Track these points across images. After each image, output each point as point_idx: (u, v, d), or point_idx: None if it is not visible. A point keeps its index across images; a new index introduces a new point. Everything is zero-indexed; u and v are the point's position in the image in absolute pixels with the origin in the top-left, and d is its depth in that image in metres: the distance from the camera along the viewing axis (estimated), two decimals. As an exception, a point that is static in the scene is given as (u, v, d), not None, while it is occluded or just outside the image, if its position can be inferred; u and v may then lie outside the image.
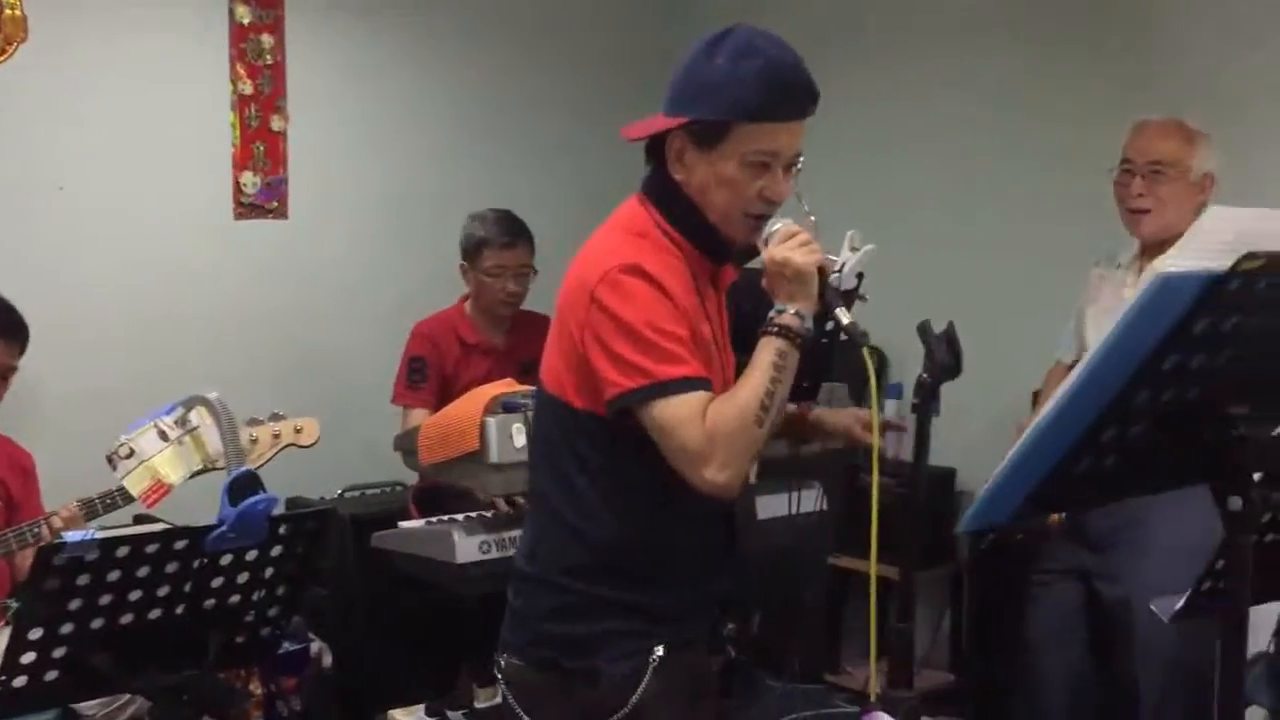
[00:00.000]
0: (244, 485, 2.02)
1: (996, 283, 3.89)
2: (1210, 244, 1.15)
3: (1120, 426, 1.28)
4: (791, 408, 2.16)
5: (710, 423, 1.70)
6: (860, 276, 2.62)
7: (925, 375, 1.52)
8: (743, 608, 3.56)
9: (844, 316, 1.74)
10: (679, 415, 1.70)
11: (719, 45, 1.77)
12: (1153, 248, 2.82)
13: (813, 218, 2.53)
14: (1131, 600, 2.63)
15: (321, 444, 3.53)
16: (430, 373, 3.45)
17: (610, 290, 1.73)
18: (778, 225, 1.80)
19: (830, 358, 2.65)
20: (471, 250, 3.46)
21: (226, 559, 2.06)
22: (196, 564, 2.03)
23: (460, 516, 2.82)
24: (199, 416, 2.24)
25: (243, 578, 2.11)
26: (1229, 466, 1.37)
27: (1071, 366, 3.04)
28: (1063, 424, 1.23)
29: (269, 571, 2.14)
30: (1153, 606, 2.18)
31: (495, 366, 3.43)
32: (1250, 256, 1.13)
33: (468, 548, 2.60)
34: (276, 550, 2.13)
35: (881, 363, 4.28)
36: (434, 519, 2.86)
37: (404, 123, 4.24)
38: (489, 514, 2.81)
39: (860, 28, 4.37)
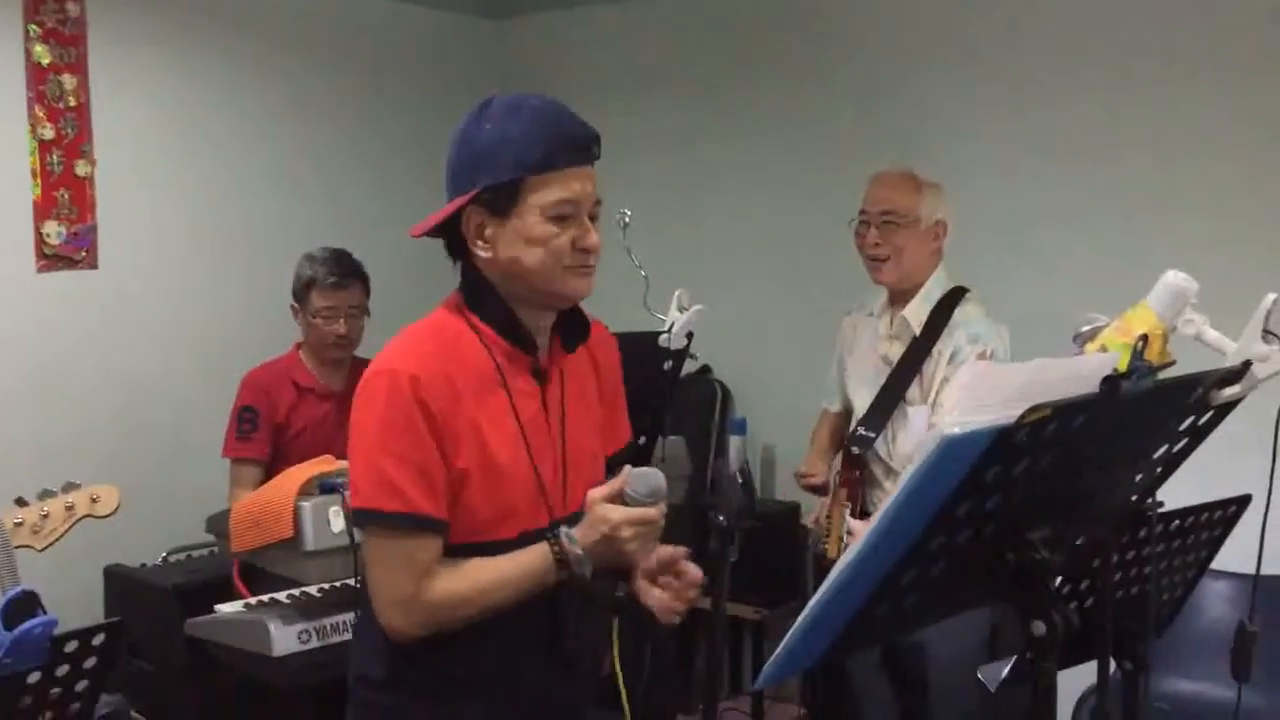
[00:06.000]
0: (20, 608, 1.87)
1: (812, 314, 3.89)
2: (991, 398, 1.11)
3: (919, 569, 1.24)
4: None
5: (434, 594, 1.65)
6: (690, 335, 2.58)
7: (722, 519, 1.46)
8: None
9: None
10: (392, 557, 1.65)
11: (484, 114, 1.71)
12: (898, 295, 2.94)
13: (644, 273, 2.48)
14: (925, 648, 2.80)
15: (147, 504, 3.33)
16: (261, 422, 3.31)
17: (369, 396, 1.66)
18: (643, 486, 1.64)
19: (665, 411, 2.59)
20: (300, 291, 3.34)
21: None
22: (-30, 690, 1.86)
23: (284, 596, 2.68)
24: (-29, 530, 2.06)
25: (26, 701, 1.95)
26: (1032, 591, 1.35)
27: (838, 415, 3.17)
28: (861, 576, 1.18)
29: (56, 692, 1.99)
30: (980, 675, 2.20)
31: (336, 411, 3.29)
32: (1036, 409, 1.10)
33: (285, 639, 2.47)
34: (63, 670, 1.97)
35: (725, 397, 4.27)
36: (253, 601, 2.71)
37: (222, 161, 4.04)
38: (316, 591, 2.68)
39: (675, 73, 4.35)
